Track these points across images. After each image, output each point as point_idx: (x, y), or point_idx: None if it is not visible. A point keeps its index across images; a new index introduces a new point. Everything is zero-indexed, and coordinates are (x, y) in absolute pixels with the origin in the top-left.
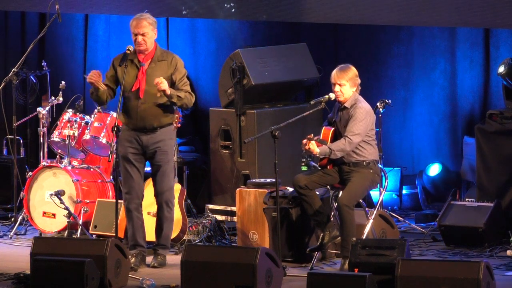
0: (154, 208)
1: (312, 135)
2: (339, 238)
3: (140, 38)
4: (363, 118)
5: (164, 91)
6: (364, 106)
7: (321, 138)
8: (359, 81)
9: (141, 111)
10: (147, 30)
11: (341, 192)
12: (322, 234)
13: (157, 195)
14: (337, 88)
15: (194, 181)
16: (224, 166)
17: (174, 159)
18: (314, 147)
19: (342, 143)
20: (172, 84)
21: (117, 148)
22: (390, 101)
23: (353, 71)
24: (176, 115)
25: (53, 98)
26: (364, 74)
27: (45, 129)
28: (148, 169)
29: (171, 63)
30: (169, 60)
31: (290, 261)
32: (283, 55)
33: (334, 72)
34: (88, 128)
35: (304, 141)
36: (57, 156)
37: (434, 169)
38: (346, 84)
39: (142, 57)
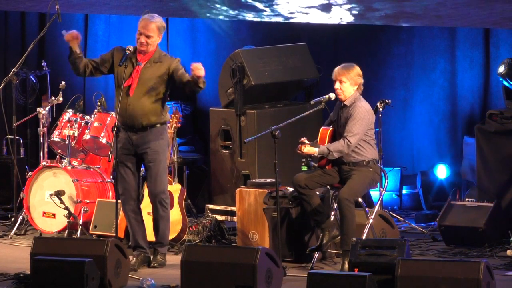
0: None
1: (305, 139)
2: (339, 238)
3: (143, 39)
4: (362, 117)
5: (200, 77)
6: (363, 105)
7: (318, 140)
8: (361, 81)
9: (130, 109)
10: (152, 33)
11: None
12: (322, 234)
13: (151, 195)
14: (337, 85)
15: (194, 181)
16: (224, 166)
17: (174, 159)
18: (309, 149)
19: (341, 145)
20: (170, 76)
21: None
22: (390, 101)
23: (355, 70)
24: (176, 115)
25: (53, 98)
26: (364, 74)
27: (45, 129)
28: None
29: (168, 66)
30: (166, 63)
31: (290, 261)
32: (283, 55)
33: (336, 69)
34: (88, 128)
35: (298, 146)
36: (57, 156)
37: (442, 171)
38: (346, 82)
39: (140, 57)
